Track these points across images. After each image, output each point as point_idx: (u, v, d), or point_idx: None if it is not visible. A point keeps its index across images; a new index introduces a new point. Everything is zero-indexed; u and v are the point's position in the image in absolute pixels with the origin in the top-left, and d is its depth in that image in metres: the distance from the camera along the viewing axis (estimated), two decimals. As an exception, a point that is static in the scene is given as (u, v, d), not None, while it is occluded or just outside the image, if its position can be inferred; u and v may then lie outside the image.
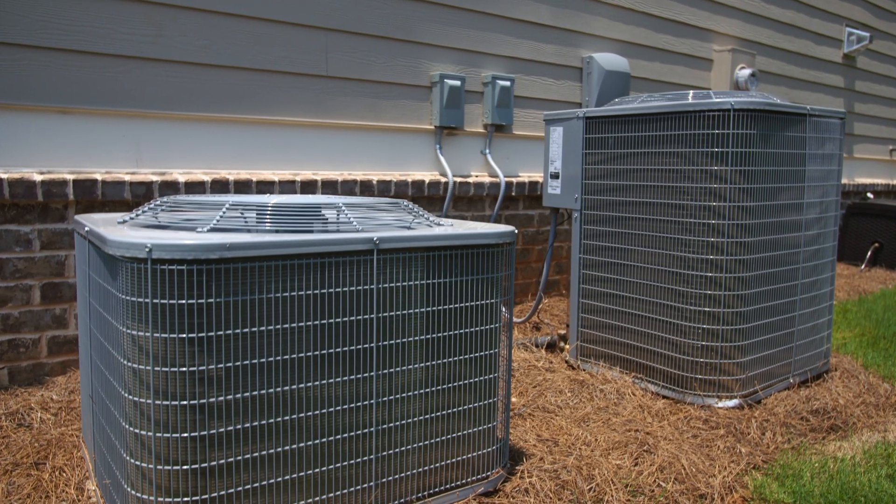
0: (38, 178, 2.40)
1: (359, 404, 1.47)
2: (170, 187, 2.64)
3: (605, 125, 2.64)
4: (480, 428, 1.69)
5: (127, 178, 2.58)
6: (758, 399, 2.48)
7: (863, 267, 5.52)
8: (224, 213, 1.49)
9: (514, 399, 2.49)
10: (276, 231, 1.46)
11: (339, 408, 1.45)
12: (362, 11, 3.18)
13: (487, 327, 1.67)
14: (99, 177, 2.52)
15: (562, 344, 3.03)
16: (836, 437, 2.34)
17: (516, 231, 1.78)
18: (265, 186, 2.86)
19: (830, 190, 2.68)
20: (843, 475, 2.06)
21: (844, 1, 5.99)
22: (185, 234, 1.34)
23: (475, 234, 1.60)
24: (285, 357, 1.37)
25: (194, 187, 2.69)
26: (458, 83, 3.44)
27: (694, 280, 2.40)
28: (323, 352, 1.41)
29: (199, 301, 1.27)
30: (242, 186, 2.80)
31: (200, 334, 1.28)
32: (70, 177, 2.46)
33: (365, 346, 1.47)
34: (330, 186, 3.04)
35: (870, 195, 6.22)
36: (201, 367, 1.28)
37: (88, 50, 2.54)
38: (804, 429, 2.35)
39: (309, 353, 1.40)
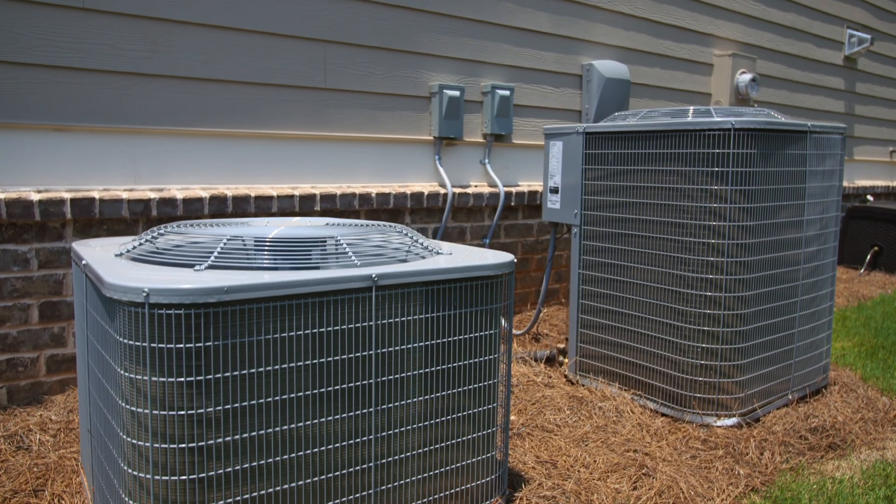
0: (35, 197, 2.39)
1: (357, 440, 1.47)
2: (168, 204, 2.63)
3: (605, 141, 2.63)
4: (479, 458, 1.69)
5: (125, 195, 2.57)
6: (756, 417, 2.48)
7: (862, 271, 5.52)
8: (222, 247, 1.48)
9: (513, 417, 2.49)
10: (275, 267, 1.45)
11: (337, 445, 1.45)
12: (361, 23, 3.16)
13: (486, 358, 1.66)
14: (96, 195, 2.51)
15: (561, 358, 3.03)
16: (835, 456, 2.34)
17: (515, 260, 1.77)
18: (263, 201, 2.86)
19: (831, 206, 2.67)
20: (841, 497, 2.06)
21: (845, 3, 5.96)
22: (182, 275, 1.34)
23: (474, 267, 1.59)
24: (284, 397, 1.37)
25: (192, 204, 2.68)
26: (457, 93, 3.42)
27: (693, 299, 2.40)
28: (322, 390, 1.41)
29: (198, 345, 1.26)
30: (241, 202, 2.80)
31: (199, 377, 1.27)
32: (67, 195, 2.45)
33: (364, 382, 1.47)
34: (329, 200, 3.03)
35: (870, 198, 6.21)
36: (200, 410, 1.28)
37: (85, 67, 2.53)
38: (803, 448, 2.35)
39: (308, 392, 1.39)
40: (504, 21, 3.65)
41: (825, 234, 2.67)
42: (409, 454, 1.55)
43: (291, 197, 2.93)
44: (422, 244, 1.77)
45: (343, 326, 1.42)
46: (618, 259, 2.63)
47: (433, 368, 1.57)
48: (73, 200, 2.45)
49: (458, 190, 3.49)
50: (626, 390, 2.66)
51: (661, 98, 4.49)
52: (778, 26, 5.30)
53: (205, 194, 2.72)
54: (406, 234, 1.82)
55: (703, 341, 2.39)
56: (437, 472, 1.61)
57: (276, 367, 1.35)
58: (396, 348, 1.50)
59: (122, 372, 1.28)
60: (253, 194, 2.83)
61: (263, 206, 2.86)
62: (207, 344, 1.27)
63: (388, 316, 1.48)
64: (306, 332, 1.38)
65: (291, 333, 1.36)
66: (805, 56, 5.61)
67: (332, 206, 3.05)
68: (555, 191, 2.85)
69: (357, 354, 1.45)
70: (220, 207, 2.75)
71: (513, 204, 3.72)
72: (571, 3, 3.93)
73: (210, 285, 1.25)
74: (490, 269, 1.63)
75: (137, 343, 1.25)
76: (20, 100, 2.43)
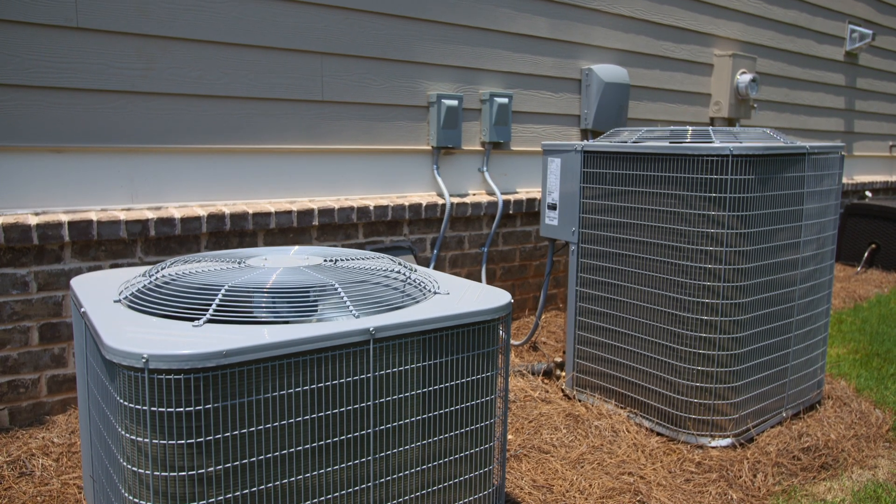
0: (33, 221, 2.39)
1: (357, 488, 1.50)
2: (165, 224, 2.63)
3: (604, 161, 2.62)
4: (476, 496, 1.72)
5: (122, 216, 2.56)
6: (750, 437, 2.51)
7: (859, 269, 5.54)
8: (221, 298, 1.49)
9: (510, 437, 2.52)
10: (274, 319, 1.46)
11: (337, 494, 1.47)
12: (358, 33, 3.13)
13: (483, 400, 1.68)
14: (94, 216, 2.51)
15: (558, 371, 3.05)
16: (827, 477, 2.38)
17: (511, 301, 1.78)
18: (261, 218, 2.85)
19: (828, 225, 2.68)
20: (832, 523, 2.10)
21: (848, -3, 5.90)
22: (181, 333, 1.35)
23: (470, 313, 1.60)
24: (284, 452, 1.39)
25: (190, 223, 2.68)
26: (455, 103, 3.40)
27: (689, 322, 2.41)
28: (321, 443, 1.43)
29: (198, 407, 1.28)
30: (239, 219, 2.79)
31: (200, 439, 1.29)
32: (65, 218, 2.45)
33: (362, 432, 1.48)
34: (327, 214, 3.03)
35: (868, 193, 6.21)
36: (201, 470, 1.30)
37: (80, 87, 2.51)
38: (795, 468, 2.38)
39: (308, 446, 1.41)
40: (502, 27, 3.62)
41: (821, 254, 2.67)
42: (407, 497, 1.58)
43: (289, 213, 2.93)
44: (418, 283, 1.78)
45: (342, 380, 1.44)
46: (615, 279, 2.64)
47: (431, 414, 1.58)
48: (70, 223, 2.45)
49: (456, 200, 3.49)
50: (622, 408, 2.69)
51: (660, 100, 4.47)
52: (779, 24, 5.26)
53: (202, 213, 2.72)
54: (402, 272, 1.82)
55: (699, 364, 2.42)
56: (434, 513, 1.63)
57: (276, 423, 1.37)
58: (394, 397, 1.52)
59: (123, 433, 1.29)
60: (251, 211, 2.83)
61: (261, 223, 2.86)
62: (207, 406, 1.29)
63: (386, 367, 1.49)
64: (305, 388, 1.39)
65: (291, 390, 1.37)
66: (806, 53, 5.56)
67: (331, 220, 3.05)
68: (552, 207, 2.85)
69: (356, 406, 1.46)
70: (219, 225, 2.75)
71: (511, 212, 3.72)
72: (570, 7, 3.90)
73: (209, 350, 1.26)
74: (487, 313, 1.64)
75: (138, 406, 1.27)
76: (15, 122, 2.42)
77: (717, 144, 2.29)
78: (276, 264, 1.78)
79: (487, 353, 1.67)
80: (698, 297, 2.38)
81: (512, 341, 3.44)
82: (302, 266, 1.75)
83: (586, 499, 2.14)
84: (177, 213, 2.67)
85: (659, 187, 2.45)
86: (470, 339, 1.63)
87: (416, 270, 1.94)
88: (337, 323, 1.46)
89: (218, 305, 1.47)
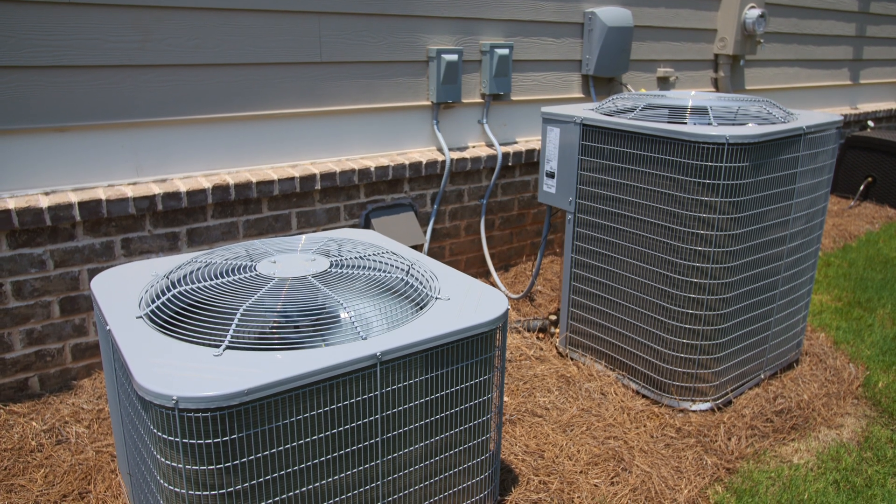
0: (44, 203, 2.45)
1: (367, 487, 1.68)
2: (172, 198, 2.69)
3: (602, 136, 2.65)
4: (474, 481, 1.91)
5: (130, 192, 2.62)
6: (728, 401, 2.70)
7: (853, 202, 5.61)
8: (236, 326, 1.60)
9: (506, 399, 2.71)
10: (286, 346, 1.58)
11: (350, 494, 1.65)
12: (355, -10, 3.04)
13: (480, 400, 1.83)
14: (102, 194, 2.57)
15: (552, 329, 3.22)
16: (797, 437, 2.59)
17: (508, 308, 1.90)
18: (265, 186, 2.91)
19: (819, 199, 2.74)
20: (794, 485, 2.32)
21: (869, -86, 5.59)
22: (204, 366, 1.47)
23: (470, 327, 1.72)
24: (301, 466, 1.55)
25: (196, 195, 2.74)
26: (454, 57, 3.35)
27: (677, 298, 2.54)
28: (334, 455, 1.59)
29: (224, 438, 1.42)
30: (243, 189, 2.85)
31: (227, 464, 1.44)
32: (75, 198, 2.51)
33: (371, 441, 1.64)
34: (328, 178, 3.08)
35: (870, 123, 6.16)
36: (230, 489, 1.47)
37: (77, 64, 2.49)
38: (767, 430, 2.59)
39: (322, 459, 1.57)
40: (504, -28, 3.49)
41: (810, 227, 2.76)
42: (412, 489, 1.76)
43: (292, 179, 2.98)
44: (418, 286, 1.88)
45: (351, 400, 1.58)
46: (610, 251, 2.74)
47: (433, 418, 1.74)
48: (80, 203, 2.51)
49: (455, 155, 3.52)
50: (611, 370, 2.87)
51: (664, 39, 4.36)
52: (794, -53, 5.02)
53: (207, 184, 2.77)
54: (401, 275, 1.92)
55: (685, 337, 2.56)
56: (438, 497, 1.83)
57: (293, 444, 1.52)
58: (400, 409, 1.67)
59: (159, 456, 1.45)
60: (255, 179, 2.88)
61: (265, 191, 2.92)
62: (232, 437, 1.43)
63: (392, 383, 1.63)
64: (319, 411, 1.53)
65: (305, 415, 1.52)
66: (820, -22, 5.35)
67: (332, 184, 3.10)
68: (551, 175, 2.90)
69: (364, 420, 1.61)
70: (223, 196, 2.81)
71: (510, 163, 3.75)
72: (576, -55, 3.74)
73: (232, 390, 1.39)
74: (486, 325, 1.75)
75: (171, 438, 1.41)
76: (18, 104, 2.42)
77: (713, 132, 2.32)
78: (285, 272, 1.87)
79: (484, 359, 1.80)
80: (687, 277, 2.49)
81: (510, 294, 3.58)
82: (309, 276, 1.85)
83: (574, 464, 2.35)
84: (182, 187, 2.72)
85: (655, 168, 2.49)
86: (470, 348, 1.75)
87: (415, 266, 2.04)
88: (346, 349, 1.58)
89: (234, 332, 1.59)
